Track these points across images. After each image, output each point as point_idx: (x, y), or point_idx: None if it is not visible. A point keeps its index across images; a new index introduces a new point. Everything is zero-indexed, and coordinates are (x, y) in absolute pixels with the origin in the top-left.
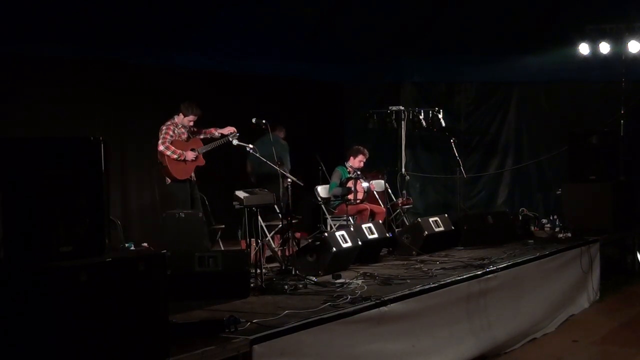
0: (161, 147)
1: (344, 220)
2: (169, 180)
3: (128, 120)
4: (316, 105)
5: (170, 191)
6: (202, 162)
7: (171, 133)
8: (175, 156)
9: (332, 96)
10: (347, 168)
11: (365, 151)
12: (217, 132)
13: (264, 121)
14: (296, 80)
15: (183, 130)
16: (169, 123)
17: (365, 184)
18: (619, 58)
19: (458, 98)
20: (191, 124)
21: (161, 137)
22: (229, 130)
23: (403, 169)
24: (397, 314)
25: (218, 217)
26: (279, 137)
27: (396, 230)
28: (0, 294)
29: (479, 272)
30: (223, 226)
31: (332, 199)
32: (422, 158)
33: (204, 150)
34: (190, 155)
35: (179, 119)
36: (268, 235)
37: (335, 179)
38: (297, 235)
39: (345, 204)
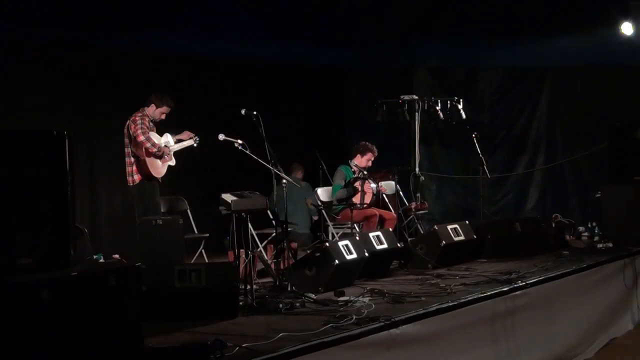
0: (142, 137)
1: (348, 227)
2: (136, 180)
3: (98, 111)
4: (316, 93)
5: (140, 192)
6: (173, 161)
7: (147, 124)
8: (155, 149)
9: (334, 83)
10: (351, 167)
11: (375, 149)
12: (174, 138)
13: (254, 112)
14: (292, 65)
15: (152, 124)
16: (140, 114)
17: (373, 186)
18: None
19: (481, 86)
20: (163, 116)
21: (139, 127)
22: (187, 135)
23: (417, 169)
24: (410, 337)
25: (201, 225)
26: (298, 179)
27: (409, 239)
28: None
29: (506, 289)
30: (207, 235)
31: (335, 203)
32: (439, 155)
33: (176, 149)
34: (167, 150)
35: (149, 110)
36: (260, 245)
37: (338, 180)
38: (294, 245)
39: (349, 208)
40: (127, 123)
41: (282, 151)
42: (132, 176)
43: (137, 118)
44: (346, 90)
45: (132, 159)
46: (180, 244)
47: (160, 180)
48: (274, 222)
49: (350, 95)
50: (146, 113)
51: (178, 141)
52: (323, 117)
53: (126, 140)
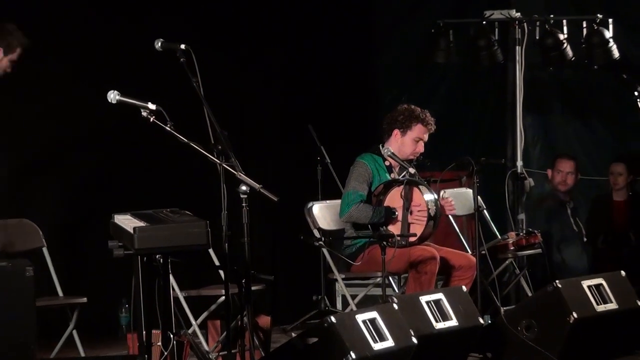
0: None
1: (377, 284)
2: None
3: None
4: (316, 19)
5: None
6: None
7: None
8: None
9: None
10: (384, 159)
11: (429, 117)
12: None
13: (182, 47)
14: None
15: None
16: None
17: (429, 198)
18: None
19: None
20: (9, 69)
21: None
22: None
23: (519, 163)
24: None
25: (72, 278)
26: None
27: (502, 309)
28: None
29: None
30: (84, 299)
31: (350, 231)
32: (566, 135)
33: None
34: None
35: None
36: (194, 322)
37: (356, 183)
38: (263, 321)
39: (379, 245)
40: None
41: (241, 127)
42: None
43: None
44: (375, 6)
45: None
46: (30, 317)
47: None
48: (222, 273)
49: (381, 17)
50: None
51: None
52: (325, 60)
53: None
